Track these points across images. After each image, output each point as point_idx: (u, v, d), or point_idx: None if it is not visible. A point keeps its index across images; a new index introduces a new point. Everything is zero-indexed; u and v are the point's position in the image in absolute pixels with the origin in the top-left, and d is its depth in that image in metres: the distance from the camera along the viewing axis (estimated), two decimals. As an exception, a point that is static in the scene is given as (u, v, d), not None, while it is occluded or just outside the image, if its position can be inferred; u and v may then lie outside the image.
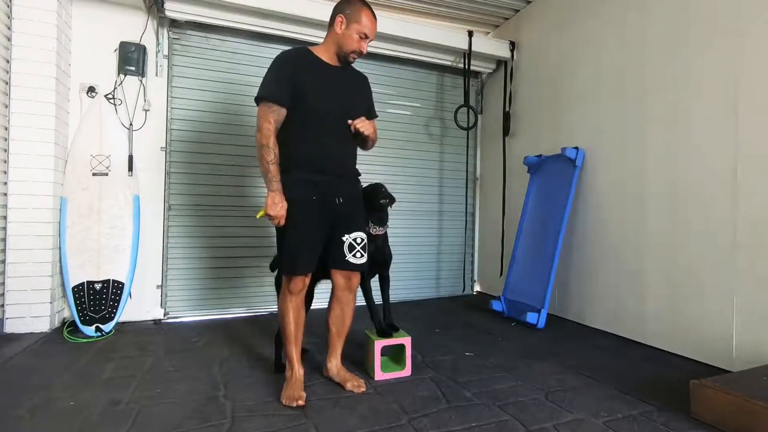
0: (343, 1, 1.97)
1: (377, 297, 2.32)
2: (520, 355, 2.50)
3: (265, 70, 1.94)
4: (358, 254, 1.98)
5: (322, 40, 3.00)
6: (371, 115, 2.12)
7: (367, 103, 2.12)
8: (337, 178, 1.95)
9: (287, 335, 1.94)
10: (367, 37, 1.94)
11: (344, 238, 1.96)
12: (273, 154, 1.81)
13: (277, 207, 1.81)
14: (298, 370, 1.93)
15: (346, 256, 1.96)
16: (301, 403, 1.80)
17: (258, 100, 1.88)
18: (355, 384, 1.99)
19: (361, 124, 1.93)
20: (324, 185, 1.90)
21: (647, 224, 2.72)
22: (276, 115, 1.84)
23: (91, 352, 2.48)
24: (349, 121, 1.93)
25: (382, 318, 2.27)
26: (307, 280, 1.94)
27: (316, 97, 1.88)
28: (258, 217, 1.87)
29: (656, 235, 2.67)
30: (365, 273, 2.12)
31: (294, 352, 1.94)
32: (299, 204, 1.86)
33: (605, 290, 3.00)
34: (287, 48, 3.53)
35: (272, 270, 2.45)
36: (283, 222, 1.84)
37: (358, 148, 2.11)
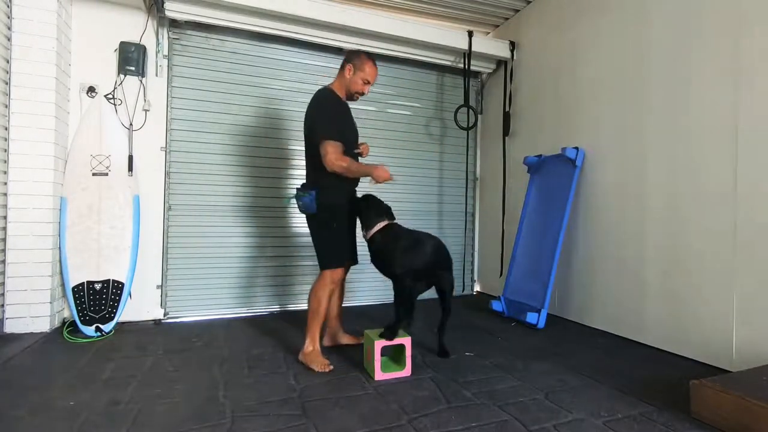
0: (353, 53, 2.44)
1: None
2: (520, 355, 2.50)
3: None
4: None
5: (321, 41, 2.95)
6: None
7: None
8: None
9: (320, 316, 2.33)
10: (369, 83, 2.39)
11: None
12: (348, 161, 2.26)
13: (381, 170, 2.27)
14: (317, 345, 2.34)
15: None
16: (331, 367, 2.22)
17: (326, 139, 2.26)
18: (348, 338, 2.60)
19: (366, 150, 2.50)
20: (352, 193, 2.45)
21: (647, 224, 2.72)
22: (340, 147, 2.29)
23: (91, 352, 2.48)
24: (362, 148, 2.47)
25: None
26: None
27: (349, 131, 2.41)
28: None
29: (656, 235, 2.67)
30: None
31: (318, 331, 2.35)
32: (340, 207, 2.35)
33: (605, 290, 3.00)
34: (287, 48, 3.57)
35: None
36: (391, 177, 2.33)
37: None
